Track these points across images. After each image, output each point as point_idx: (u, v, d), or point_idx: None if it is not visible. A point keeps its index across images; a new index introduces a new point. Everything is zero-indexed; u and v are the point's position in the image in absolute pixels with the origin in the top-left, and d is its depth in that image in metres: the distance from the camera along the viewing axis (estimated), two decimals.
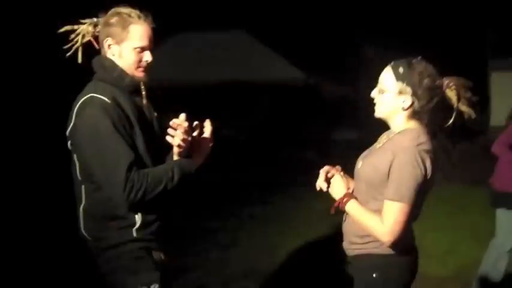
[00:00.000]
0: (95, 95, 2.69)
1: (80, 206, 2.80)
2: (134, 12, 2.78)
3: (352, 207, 2.75)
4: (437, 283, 5.49)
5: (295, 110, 15.23)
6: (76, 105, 2.71)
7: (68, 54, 2.84)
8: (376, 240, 2.71)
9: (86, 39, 2.84)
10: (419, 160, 2.62)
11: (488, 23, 15.61)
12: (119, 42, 2.76)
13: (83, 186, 2.76)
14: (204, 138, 2.85)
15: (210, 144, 2.88)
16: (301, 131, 14.81)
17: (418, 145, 2.65)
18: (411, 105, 2.70)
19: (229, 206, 8.65)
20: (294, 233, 7.15)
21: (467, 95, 2.79)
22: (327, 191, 2.87)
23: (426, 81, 2.68)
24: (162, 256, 2.85)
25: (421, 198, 2.70)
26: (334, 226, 7.23)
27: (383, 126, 2.98)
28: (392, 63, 2.75)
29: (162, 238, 2.82)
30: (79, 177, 2.77)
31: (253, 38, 15.39)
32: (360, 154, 2.97)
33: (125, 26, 2.74)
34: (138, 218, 2.72)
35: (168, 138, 2.72)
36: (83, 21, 2.86)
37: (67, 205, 3.16)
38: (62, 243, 6.01)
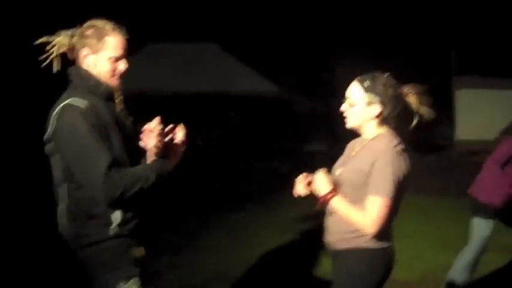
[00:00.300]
0: (72, 101, 2.82)
1: (62, 205, 2.90)
2: (109, 25, 2.94)
3: (337, 202, 2.98)
4: (404, 286, 5.67)
5: (268, 122, 15.41)
6: (54, 111, 2.84)
7: (44, 64, 2.94)
8: (363, 235, 2.96)
9: (62, 50, 2.95)
10: (397, 160, 2.94)
11: (452, 42, 16.03)
12: (94, 52, 2.91)
13: (65, 186, 2.87)
14: (177, 142, 2.99)
15: (182, 149, 3.03)
16: (273, 142, 15.00)
17: (394, 147, 2.98)
18: (380, 114, 3.02)
19: (201, 213, 8.73)
20: (265, 239, 7.28)
21: (425, 99, 3.14)
22: (306, 196, 3.10)
23: (390, 90, 3.02)
24: (143, 252, 2.96)
25: (401, 194, 2.98)
26: (304, 232, 7.41)
27: (351, 138, 3.29)
28: (357, 78, 3.07)
29: (140, 235, 2.94)
30: (61, 178, 2.88)
31: (225, 52, 15.56)
32: (330, 165, 3.23)
33: (100, 37, 2.90)
34: (117, 215, 2.84)
35: (140, 143, 2.88)
36: (58, 32, 2.97)
37: (45, 205, 3.26)
38: (41, 241, 6.14)
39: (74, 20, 3.04)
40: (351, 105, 3.05)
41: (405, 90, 3.11)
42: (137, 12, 15.43)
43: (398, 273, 5.92)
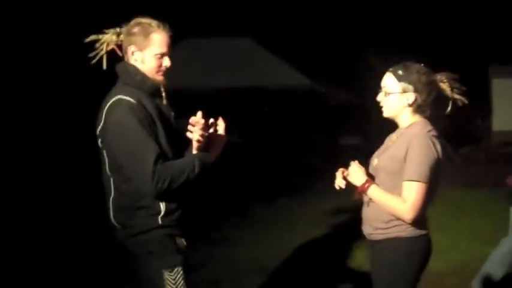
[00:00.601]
0: (121, 96, 2.97)
1: (109, 198, 3.07)
2: (154, 22, 3.06)
3: (374, 191, 3.07)
4: (438, 278, 5.73)
5: (302, 116, 15.49)
6: (105, 106, 2.99)
7: (94, 61, 3.11)
8: (401, 224, 3.03)
9: (110, 47, 3.12)
10: (431, 144, 3.01)
11: (489, 30, 15.86)
12: (141, 49, 3.04)
13: (111, 180, 3.03)
14: (219, 134, 3.11)
15: (223, 141, 3.13)
16: (307, 136, 15.08)
17: (427, 132, 3.05)
18: (415, 101, 3.10)
19: (237, 207, 8.91)
20: (300, 232, 7.41)
21: (457, 85, 3.22)
22: (345, 187, 3.17)
23: (423, 78, 3.08)
24: (184, 242, 3.13)
25: (437, 179, 3.04)
26: (338, 225, 7.53)
27: (386, 131, 3.37)
28: (390, 68, 3.14)
29: (183, 225, 3.10)
30: (108, 172, 3.04)
31: (259, 45, 15.64)
32: (365, 158, 3.34)
33: (146, 34, 3.02)
34: (162, 206, 2.98)
35: (188, 134, 2.99)
36: (106, 31, 3.14)
37: (96, 197, 3.45)
38: (91, 231, 6.51)
39: (113, 19, 3.21)
40: (386, 95, 3.13)
41: (438, 77, 3.18)
42: (170, 8, 15.60)
43: (432, 264, 5.95)
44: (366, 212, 3.20)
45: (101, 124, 2.99)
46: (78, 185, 9.30)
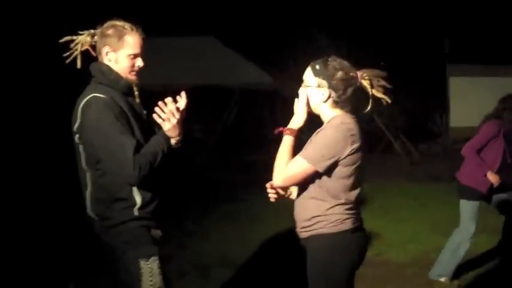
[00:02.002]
0: (96, 94, 3.10)
1: (85, 191, 3.19)
2: (127, 25, 3.21)
3: (285, 140, 3.12)
4: (398, 268, 5.97)
5: (264, 114, 15.65)
6: (80, 103, 3.11)
7: (68, 61, 3.25)
8: (322, 221, 3.04)
9: (84, 47, 3.25)
10: (341, 136, 2.96)
11: (446, 31, 16.26)
12: (115, 50, 3.18)
13: (87, 174, 3.16)
14: (182, 110, 3.21)
15: (184, 114, 3.22)
16: (269, 133, 15.22)
17: (340, 124, 3.00)
18: (329, 97, 3.07)
19: (200, 203, 9.00)
20: (265, 226, 7.55)
21: (380, 83, 3.16)
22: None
23: (339, 73, 3.04)
24: (160, 233, 3.25)
25: (350, 173, 3.01)
26: None
27: None
28: (311, 63, 3.13)
29: (158, 217, 3.23)
30: (84, 166, 3.16)
31: (222, 43, 15.73)
32: None
33: (120, 36, 3.17)
34: (138, 198, 3.12)
35: (155, 116, 3.12)
36: (80, 32, 3.27)
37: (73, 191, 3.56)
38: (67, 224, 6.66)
39: (80, 20, 3.32)
40: (304, 89, 3.13)
41: (359, 74, 3.11)
42: (133, 7, 15.58)
43: (392, 255, 6.31)
44: (295, 213, 3.22)
45: (78, 121, 3.10)
46: (54, 180, 9.33)
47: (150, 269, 3.13)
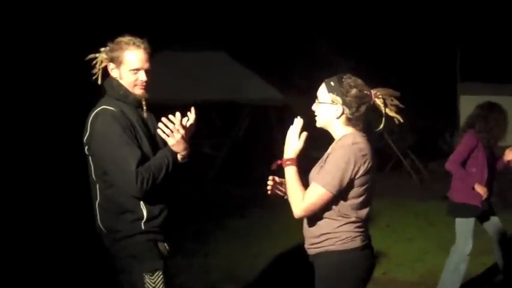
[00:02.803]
0: (105, 106, 3.20)
1: (95, 203, 3.26)
2: (131, 40, 3.29)
3: (289, 172, 3.07)
4: (405, 286, 5.96)
5: (274, 130, 15.66)
6: (90, 115, 3.21)
7: (94, 77, 3.35)
8: (331, 238, 3.04)
9: (103, 64, 3.35)
10: (352, 157, 2.97)
11: (456, 49, 16.24)
12: (118, 66, 3.28)
13: (97, 185, 3.23)
14: (190, 125, 3.29)
15: (193, 129, 3.31)
16: (279, 149, 15.27)
17: (352, 144, 3.00)
18: (342, 113, 3.08)
19: (208, 219, 8.99)
20: (272, 242, 7.56)
21: (394, 102, 3.18)
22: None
23: (354, 91, 3.06)
24: (167, 247, 3.27)
25: (360, 193, 3.03)
26: None
27: None
28: (326, 79, 3.14)
29: (166, 231, 3.25)
30: (94, 177, 3.23)
31: (233, 59, 15.79)
32: None
33: (121, 52, 3.26)
34: (145, 212, 3.17)
35: (159, 132, 3.18)
36: (102, 49, 3.36)
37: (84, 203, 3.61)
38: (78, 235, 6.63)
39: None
40: (318, 104, 3.14)
41: (373, 92, 3.13)
42: (144, 22, 15.70)
43: (399, 274, 6.28)
44: (304, 230, 3.22)
45: (87, 132, 3.18)
46: (68, 190, 9.36)
47: (154, 283, 3.15)
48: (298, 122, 3.14)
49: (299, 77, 16.51)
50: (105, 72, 3.34)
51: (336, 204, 3.03)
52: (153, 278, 3.15)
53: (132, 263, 3.17)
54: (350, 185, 2.99)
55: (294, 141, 3.12)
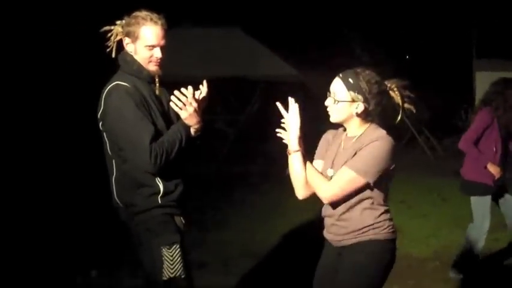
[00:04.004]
0: (119, 82, 3.19)
1: (112, 178, 3.28)
2: (148, 15, 3.25)
3: (299, 158, 3.05)
4: (419, 263, 5.97)
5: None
6: (104, 91, 3.21)
7: (108, 50, 3.32)
8: (377, 227, 3.03)
9: (118, 38, 3.32)
10: (390, 146, 2.98)
11: (473, 25, 16.08)
12: (133, 41, 3.25)
13: (113, 160, 3.24)
14: (202, 98, 3.28)
15: (205, 101, 3.30)
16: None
17: (387, 135, 3.01)
18: (364, 111, 3.03)
19: (221, 194, 9.06)
20: (287, 218, 7.58)
21: (406, 93, 3.16)
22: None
23: (374, 88, 3.01)
24: (183, 221, 3.30)
25: (386, 183, 3.07)
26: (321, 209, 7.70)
27: None
28: (340, 74, 3.05)
29: (182, 205, 3.28)
30: (109, 153, 3.25)
31: (248, 35, 15.72)
32: None
33: (138, 27, 3.23)
34: (161, 186, 3.18)
35: (172, 105, 3.18)
36: (117, 22, 3.34)
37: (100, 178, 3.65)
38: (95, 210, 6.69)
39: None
40: (335, 102, 3.04)
41: (388, 86, 3.11)
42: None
43: (413, 250, 6.29)
44: (333, 220, 3.13)
45: (101, 108, 3.19)
46: (81, 168, 9.48)
47: (171, 256, 3.18)
48: (295, 106, 3.09)
49: (313, 53, 16.42)
50: (120, 46, 3.32)
51: (372, 193, 3.02)
52: (170, 251, 3.17)
53: (150, 236, 3.19)
54: (386, 174, 3.00)
55: (295, 128, 3.08)
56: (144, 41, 3.22)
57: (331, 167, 3.10)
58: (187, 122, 3.20)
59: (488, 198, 5.32)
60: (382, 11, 17.67)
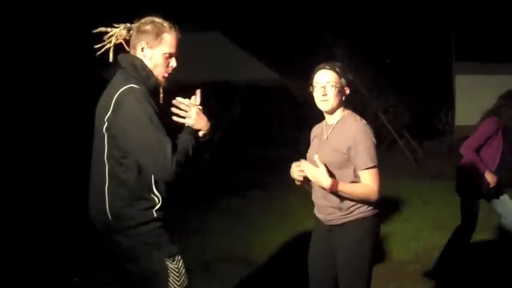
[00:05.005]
0: (133, 85, 3.03)
1: (103, 187, 3.08)
2: (166, 23, 3.18)
3: (342, 187, 3.38)
4: (400, 265, 6.00)
5: (269, 110, 15.65)
6: (114, 94, 3.01)
7: (99, 53, 3.19)
8: (362, 206, 3.44)
9: (119, 41, 3.20)
10: (369, 130, 3.44)
11: (452, 28, 16.19)
12: (152, 46, 3.14)
13: (106, 168, 3.06)
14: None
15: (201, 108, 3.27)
16: (274, 130, 15.33)
17: (360, 120, 3.49)
18: (347, 96, 3.52)
19: (206, 199, 9.01)
20: (269, 223, 7.60)
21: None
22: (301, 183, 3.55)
23: (350, 75, 3.54)
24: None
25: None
26: (307, 216, 7.70)
27: None
28: (326, 66, 3.49)
29: (168, 217, 3.21)
30: (105, 160, 3.05)
31: (228, 39, 15.74)
32: None
33: (158, 33, 3.14)
34: (157, 199, 3.10)
35: (174, 118, 3.15)
36: (116, 25, 3.21)
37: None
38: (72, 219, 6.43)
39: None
40: (335, 89, 3.45)
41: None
42: (139, 1, 15.60)
43: (395, 253, 6.33)
44: (323, 201, 3.52)
45: (110, 111, 3.01)
46: (60, 176, 9.34)
47: (177, 268, 3.13)
48: (304, 164, 3.44)
49: (295, 58, 16.44)
50: (118, 49, 3.20)
51: (358, 178, 3.44)
52: (175, 263, 3.11)
53: (150, 250, 3.08)
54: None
55: (321, 170, 3.36)
56: (164, 48, 3.14)
57: (317, 153, 3.46)
58: (197, 126, 3.17)
59: (478, 202, 5.40)
60: (361, 15, 17.75)
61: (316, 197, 3.61)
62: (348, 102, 3.53)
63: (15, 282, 5.45)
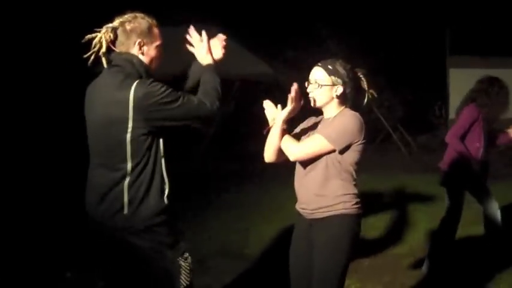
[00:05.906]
0: (139, 80, 3.07)
1: (122, 183, 3.07)
2: (147, 16, 3.23)
3: (279, 127, 3.43)
4: (394, 258, 6.02)
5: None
6: (128, 91, 3.00)
7: (90, 61, 3.12)
8: (346, 202, 3.35)
9: (106, 44, 3.14)
10: (358, 122, 3.35)
11: (446, 22, 16.21)
12: (148, 42, 3.19)
13: (129, 164, 3.07)
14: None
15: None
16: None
17: (356, 113, 3.42)
18: (342, 93, 3.45)
19: (200, 193, 9.03)
20: (264, 217, 7.61)
21: (368, 79, 3.59)
22: None
23: (350, 73, 3.47)
24: None
25: (359, 159, 3.40)
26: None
27: None
28: (319, 63, 3.48)
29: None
30: (126, 160, 3.06)
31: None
32: None
33: (150, 28, 3.20)
34: (166, 186, 3.17)
35: (189, 47, 3.44)
36: (98, 30, 3.15)
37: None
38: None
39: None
40: (319, 87, 3.42)
41: (359, 73, 3.56)
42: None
43: (389, 247, 6.34)
44: (306, 193, 3.47)
45: (130, 110, 3.00)
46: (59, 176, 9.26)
47: (188, 266, 3.18)
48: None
49: (289, 52, 16.44)
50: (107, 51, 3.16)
51: (342, 169, 3.35)
52: (186, 261, 3.17)
53: (163, 250, 3.11)
54: (352, 147, 3.33)
55: (287, 110, 3.44)
56: (157, 41, 3.23)
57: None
58: (212, 56, 3.49)
59: (463, 192, 5.42)
60: (356, 9, 17.73)
61: (296, 186, 3.56)
62: (347, 99, 3.48)
63: (8, 277, 5.44)
